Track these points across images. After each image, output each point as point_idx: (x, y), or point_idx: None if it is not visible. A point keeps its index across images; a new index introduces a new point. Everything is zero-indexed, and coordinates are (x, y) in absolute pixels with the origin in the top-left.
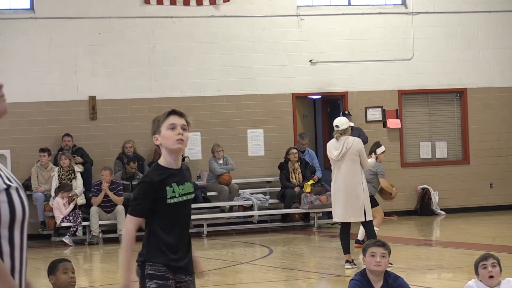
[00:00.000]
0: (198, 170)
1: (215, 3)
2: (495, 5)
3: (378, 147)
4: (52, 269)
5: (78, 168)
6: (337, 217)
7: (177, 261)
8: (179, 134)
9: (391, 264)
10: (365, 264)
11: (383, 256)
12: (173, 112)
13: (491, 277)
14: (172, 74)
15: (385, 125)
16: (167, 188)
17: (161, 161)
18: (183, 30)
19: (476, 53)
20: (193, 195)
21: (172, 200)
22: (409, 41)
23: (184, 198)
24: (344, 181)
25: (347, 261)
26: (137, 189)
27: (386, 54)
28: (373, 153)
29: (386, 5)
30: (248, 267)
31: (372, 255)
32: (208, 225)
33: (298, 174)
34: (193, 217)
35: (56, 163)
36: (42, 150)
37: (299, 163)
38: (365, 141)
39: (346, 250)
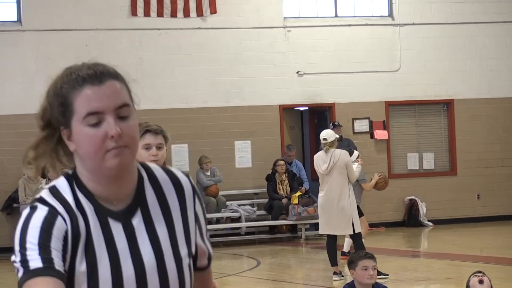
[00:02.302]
0: None
1: (202, 15)
2: (481, 16)
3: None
4: None
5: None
6: (324, 230)
7: None
8: (152, 155)
9: (386, 275)
10: (354, 276)
11: (374, 269)
12: (148, 131)
13: (481, 281)
14: (159, 86)
15: (372, 136)
16: None
17: None
18: (170, 42)
19: (463, 64)
20: None
21: None
22: (396, 52)
23: None
24: (332, 194)
25: (334, 273)
26: None
27: (373, 66)
28: (358, 159)
29: (373, 16)
30: (236, 279)
31: (365, 269)
32: None
33: (286, 185)
34: None
35: (44, 175)
36: (30, 162)
37: (287, 175)
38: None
39: (334, 261)
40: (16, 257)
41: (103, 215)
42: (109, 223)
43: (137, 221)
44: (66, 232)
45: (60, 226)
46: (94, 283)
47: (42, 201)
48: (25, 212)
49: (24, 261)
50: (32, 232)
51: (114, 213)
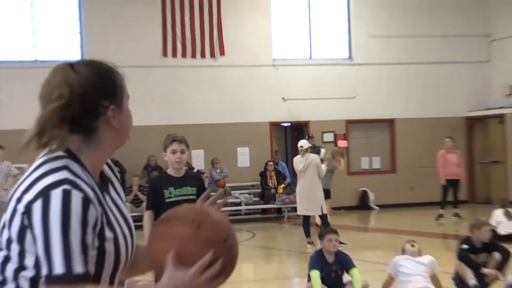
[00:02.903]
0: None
1: (214, 56)
2: (416, 58)
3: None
4: None
5: None
6: (301, 212)
7: None
8: (177, 158)
9: (344, 243)
10: (322, 246)
11: (336, 240)
12: (174, 140)
13: (412, 246)
14: (184, 108)
15: (336, 144)
16: (165, 191)
17: (168, 170)
18: (191, 76)
19: (403, 93)
20: (190, 197)
21: (169, 199)
22: (354, 84)
23: (180, 198)
24: (307, 186)
25: (308, 242)
26: (149, 188)
27: (337, 94)
28: (324, 162)
29: (337, 58)
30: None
31: (330, 240)
32: None
33: (274, 179)
34: None
35: None
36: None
37: (274, 172)
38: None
39: (307, 234)
40: (52, 240)
41: (101, 190)
42: (105, 197)
43: (112, 193)
44: (96, 218)
45: (93, 214)
46: (116, 248)
47: (74, 184)
48: (59, 196)
49: (67, 258)
50: (74, 224)
51: (104, 187)
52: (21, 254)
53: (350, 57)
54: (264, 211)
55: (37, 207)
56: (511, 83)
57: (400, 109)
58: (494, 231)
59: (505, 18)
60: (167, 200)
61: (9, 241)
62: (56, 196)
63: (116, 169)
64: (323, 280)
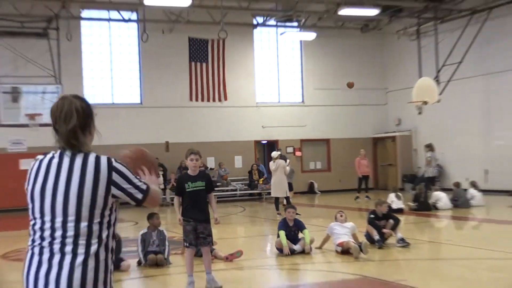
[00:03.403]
0: (213, 174)
1: (221, 101)
2: (341, 102)
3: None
4: (149, 217)
5: (160, 172)
6: (273, 194)
7: (196, 215)
8: (193, 164)
9: (299, 214)
10: (285, 216)
11: (293, 213)
12: (192, 152)
13: (341, 216)
14: (202, 131)
15: (294, 154)
16: (185, 184)
17: (189, 171)
18: (207, 113)
19: (334, 123)
20: (201, 187)
21: (188, 189)
22: (305, 118)
23: (195, 188)
24: (277, 179)
25: (277, 214)
26: (176, 182)
27: (295, 123)
28: (289, 164)
29: (295, 102)
30: (234, 216)
31: (289, 212)
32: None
33: (256, 175)
34: None
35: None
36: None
37: (257, 170)
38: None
39: (277, 208)
40: (133, 180)
41: None
42: None
43: None
44: None
45: None
46: None
47: (112, 157)
48: (116, 163)
49: (142, 182)
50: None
51: None
52: (110, 216)
53: (303, 101)
54: (251, 194)
55: (116, 175)
56: (399, 117)
57: (333, 133)
58: (389, 207)
59: (395, 78)
60: (187, 190)
61: (102, 213)
62: (115, 163)
63: None
64: (287, 236)
